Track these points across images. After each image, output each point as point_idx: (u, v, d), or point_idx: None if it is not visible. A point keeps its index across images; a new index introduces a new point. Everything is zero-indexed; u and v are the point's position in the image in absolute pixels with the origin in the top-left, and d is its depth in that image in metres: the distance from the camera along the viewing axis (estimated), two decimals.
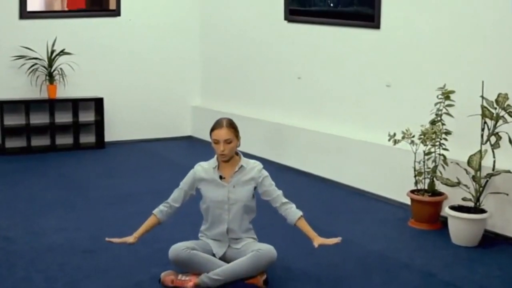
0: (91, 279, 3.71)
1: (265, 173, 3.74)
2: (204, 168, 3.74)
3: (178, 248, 3.56)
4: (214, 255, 3.68)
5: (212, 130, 3.66)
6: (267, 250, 3.55)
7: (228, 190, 3.67)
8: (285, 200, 3.72)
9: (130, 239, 3.64)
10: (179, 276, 3.57)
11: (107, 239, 3.64)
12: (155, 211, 3.74)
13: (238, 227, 3.70)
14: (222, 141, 3.59)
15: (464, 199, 4.57)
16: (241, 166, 3.69)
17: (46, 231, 4.65)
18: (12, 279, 3.69)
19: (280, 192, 3.73)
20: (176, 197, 3.76)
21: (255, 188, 3.72)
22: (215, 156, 3.72)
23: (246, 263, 3.51)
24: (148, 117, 8.91)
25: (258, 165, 3.75)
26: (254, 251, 3.53)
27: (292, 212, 3.68)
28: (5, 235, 4.56)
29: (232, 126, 3.66)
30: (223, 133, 3.60)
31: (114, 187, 6.10)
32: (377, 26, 5.85)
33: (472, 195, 4.54)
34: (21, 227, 4.77)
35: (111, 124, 8.51)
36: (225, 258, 3.68)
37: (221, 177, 3.69)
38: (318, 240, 3.57)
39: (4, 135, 7.77)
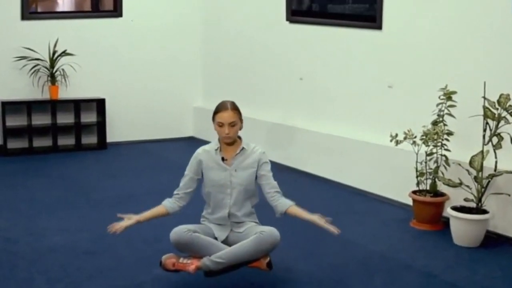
0: (93, 280, 3.71)
1: (266, 158, 3.74)
2: (206, 151, 3.74)
3: (180, 231, 3.53)
4: (216, 239, 3.65)
5: (216, 112, 3.65)
6: (270, 232, 3.51)
7: (230, 174, 3.66)
8: (277, 189, 3.68)
9: (131, 221, 3.57)
10: (181, 259, 3.53)
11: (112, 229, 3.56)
12: (164, 202, 3.70)
13: (240, 211, 3.69)
14: (227, 124, 3.59)
15: (466, 199, 4.57)
16: (243, 148, 3.69)
17: (48, 232, 4.66)
18: (14, 280, 3.70)
19: (276, 182, 3.71)
20: (183, 186, 3.73)
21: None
22: (217, 139, 3.72)
23: (249, 245, 3.46)
24: (150, 118, 8.90)
25: (260, 148, 3.76)
26: (257, 233, 3.50)
27: (283, 202, 3.63)
28: (7, 236, 4.56)
29: (236, 108, 3.67)
30: (228, 116, 3.60)
31: (116, 188, 6.10)
32: (379, 27, 5.85)
33: (474, 196, 4.53)
34: (23, 228, 4.78)
35: (113, 125, 8.51)
36: (227, 242, 3.64)
37: (223, 159, 3.69)
38: (319, 220, 3.46)
39: (6, 136, 7.77)
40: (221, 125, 3.62)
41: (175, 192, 3.74)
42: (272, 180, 3.71)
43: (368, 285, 3.73)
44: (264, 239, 3.48)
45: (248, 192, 3.71)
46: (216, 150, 3.71)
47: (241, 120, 3.69)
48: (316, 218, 3.48)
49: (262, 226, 3.68)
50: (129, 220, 3.58)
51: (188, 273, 3.49)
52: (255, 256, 3.51)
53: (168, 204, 3.70)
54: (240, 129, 3.71)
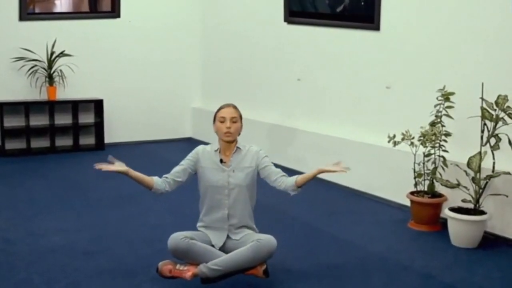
0: (92, 280, 3.71)
1: (264, 153, 3.78)
2: (206, 150, 3.77)
3: (177, 238, 3.53)
4: (213, 246, 3.66)
5: (217, 111, 3.73)
6: (267, 240, 3.53)
7: (228, 175, 3.68)
8: (283, 173, 3.75)
9: (122, 168, 3.58)
10: (177, 266, 3.55)
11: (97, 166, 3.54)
12: (154, 177, 3.72)
13: (239, 212, 3.70)
14: (228, 119, 3.65)
15: (463, 200, 4.58)
16: (237, 148, 3.74)
17: (46, 233, 4.65)
18: (13, 281, 3.69)
19: (279, 169, 3.77)
20: (174, 172, 3.76)
21: (257, 172, 3.75)
22: (217, 141, 3.75)
23: (246, 253, 3.48)
24: (148, 118, 8.91)
25: (255, 147, 3.80)
26: (254, 241, 3.51)
27: (291, 178, 3.70)
28: (5, 237, 4.56)
29: (237, 109, 3.76)
30: (230, 111, 3.69)
31: (114, 189, 6.09)
32: (376, 27, 5.86)
33: (472, 197, 4.54)
34: (21, 228, 4.78)
35: (111, 125, 8.52)
36: (224, 250, 3.65)
37: (221, 161, 3.71)
38: (326, 167, 3.61)
39: (4, 137, 7.77)
40: (222, 120, 3.66)
41: (164, 175, 3.76)
42: (274, 168, 3.76)
43: (366, 286, 3.74)
44: (261, 247, 3.49)
45: (248, 192, 3.72)
46: (215, 151, 3.73)
47: (241, 120, 3.74)
48: (322, 168, 3.61)
49: (259, 233, 3.70)
50: (120, 166, 3.58)
51: (185, 280, 3.50)
52: (252, 263, 3.52)
53: (156, 180, 3.71)
54: (239, 133, 3.74)
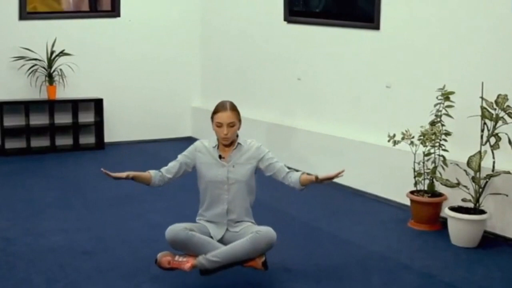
0: (92, 280, 3.71)
1: (265, 149, 3.77)
2: (205, 146, 3.75)
3: (176, 229, 3.53)
4: (212, 238, 3.65)
5: (215, 112, 3.67)
6: (266, 231, 3.52)
7: (227, 170, 3.67)
8: (288, 170, 3.75)
9: (123, 174, 3.67)
10: (176, 257, 3.54)
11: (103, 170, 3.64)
12: (151, 171, 3.74)
13: (238, 207, 3.70)
14: (225, 124, 3.61)
15: (463, 200, 4.58)
16: (238, 143, 3.72)
17: (46, 232, 4.65)
18: (13, 281, 3.69)
19: (282, 163, 3.76)
20: (169, 167, 3.76)
21: (256, 168, 3.74)
22: (215, 137, 3.73)
23: (245, 245, 3.47)
24: (148, 118, 8.90)
25: (256, 143, 3.78)
26: (253, 232, 3.51)
27: (295, 175, 3.71)
28: (5, 236, 4.56)
29: (235, 109, 3.69)
30: (227, 116, 3.62)
31: (113, 188, 6.07)
32: (376, 27, 5.85)
33: (472, 196, 4.54)
34: (21, 228, 4.77)
35: (111, 125, 8.52)
36: (223, 241, 3.64)
37: (220, 157, 3.70)
38: (320, 177, 3.60)
39: (4, 136, 7.77)
40: (219, 125, 3.63)
41: (160, 170, 3.77)
42: (278, 164, 3.74)
43: (366, 285, 3.74)
44: (260, 239, 3.49)
45: (247, 187, 3.72)
46: (214, 147, 3.72)
47: (239, 120, 3.71)
48: (321, 176, 3.60)
49: (258, 226, 3.69)
50: (121, 175, 3.68)
51: (184, 271, 3.49)
52: (251, 255, 3.52)
53: (153, 178, 3.72)
54: (238, 129, 3.72)
